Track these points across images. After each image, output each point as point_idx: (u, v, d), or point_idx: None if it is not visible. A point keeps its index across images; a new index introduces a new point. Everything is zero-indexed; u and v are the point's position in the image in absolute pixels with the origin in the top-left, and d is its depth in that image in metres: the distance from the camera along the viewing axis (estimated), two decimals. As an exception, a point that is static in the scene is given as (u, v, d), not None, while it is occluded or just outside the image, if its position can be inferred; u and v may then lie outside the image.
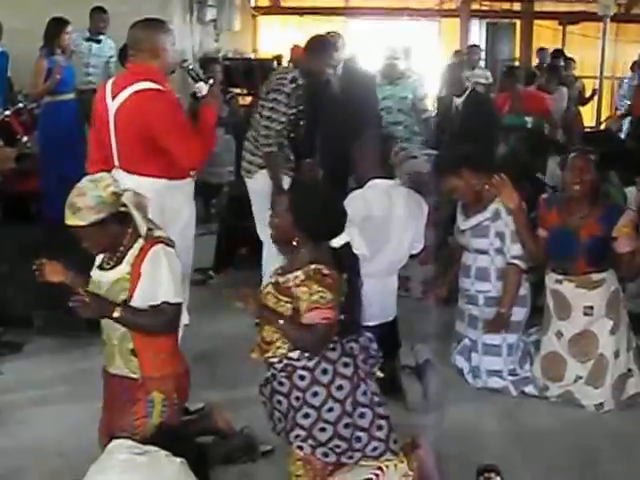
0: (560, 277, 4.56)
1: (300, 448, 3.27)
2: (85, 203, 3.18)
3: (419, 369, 4.58)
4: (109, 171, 4.08)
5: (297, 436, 3.27)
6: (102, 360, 3.53)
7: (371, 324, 3.86)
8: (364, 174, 4.58)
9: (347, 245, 3.33)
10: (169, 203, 4.16)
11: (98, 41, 8.44)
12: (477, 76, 9.93)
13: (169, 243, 3.38)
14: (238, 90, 10.21)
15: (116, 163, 4.20)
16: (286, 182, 5.45)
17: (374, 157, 4.59)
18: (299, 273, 3.20)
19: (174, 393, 3.46)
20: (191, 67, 4.48)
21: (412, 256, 4.74)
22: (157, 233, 3.37)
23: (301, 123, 5.52)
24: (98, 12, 8.37)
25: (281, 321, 3.18)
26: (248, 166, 5.69)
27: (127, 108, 4.07)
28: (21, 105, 7.40)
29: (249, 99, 10.42)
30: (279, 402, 3.34)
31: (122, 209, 3.29)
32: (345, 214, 3.38)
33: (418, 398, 4.46)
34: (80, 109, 7.45)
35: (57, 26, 7.17)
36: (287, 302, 3.21)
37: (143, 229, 3.29)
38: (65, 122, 7.21)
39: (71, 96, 7.35)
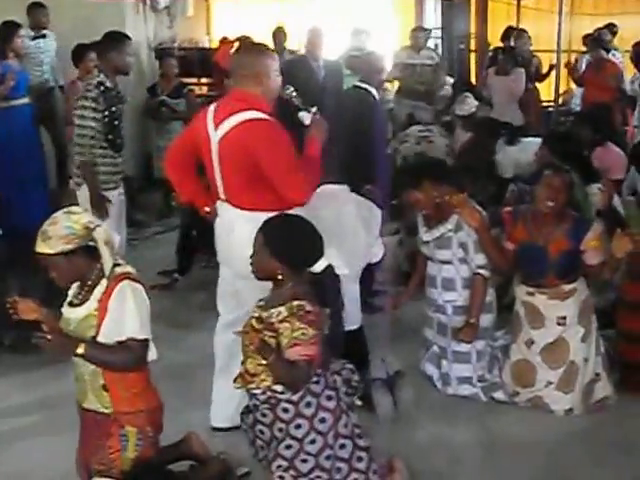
0: (532, 289, 4.60)
1: (281, 478, 3.30)
2: (56, 232, 3.20)
3: (390, 381, 4.61)
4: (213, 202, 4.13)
5: (279, 466, 3.30)
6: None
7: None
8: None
9: (328, 267, 3.34)
10: None
11: (44, 36, 8.31)
12: (422, 57, 9.95)
13: (136, 279, 3.36)
14: (194, 80, 10.12)
15: (221, 196, 4.07)
16: (112, 195, 5.57)
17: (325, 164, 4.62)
18: (282, 309, 3.20)
19: (147, 427, 3.46)
20: (294, 95, 4.25)
21: (374, 264, 4.73)
22: (124, 269, 3.35)
23: (115, 123, 5.53)
24: (38, 7, 8.19)
25: (272, 356, 3.14)
26: (75, 178, 5.67)
27: (232, 138, 3.88)
28: (-26, 110, 7.24)
29: (205, 89, 10.33)
30: (261, 432, 3.36)
31: (92, 244, 3.27)
32: (321, 238, 3.37)
33: (390, 411, 4.50)
34: (36, 112, 7.36)
35: (9, 30, 7.02)
36: (271, 337, 3.19)
37: (108, 266, 3.28)
38: (20, 127, 7.13)
39: (25, 100, 7.23)
